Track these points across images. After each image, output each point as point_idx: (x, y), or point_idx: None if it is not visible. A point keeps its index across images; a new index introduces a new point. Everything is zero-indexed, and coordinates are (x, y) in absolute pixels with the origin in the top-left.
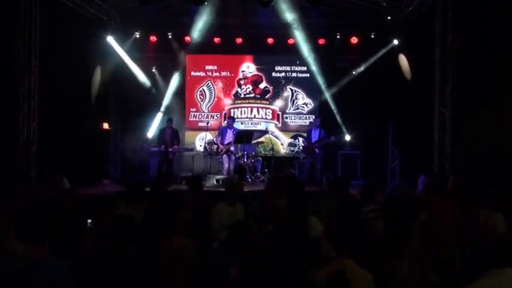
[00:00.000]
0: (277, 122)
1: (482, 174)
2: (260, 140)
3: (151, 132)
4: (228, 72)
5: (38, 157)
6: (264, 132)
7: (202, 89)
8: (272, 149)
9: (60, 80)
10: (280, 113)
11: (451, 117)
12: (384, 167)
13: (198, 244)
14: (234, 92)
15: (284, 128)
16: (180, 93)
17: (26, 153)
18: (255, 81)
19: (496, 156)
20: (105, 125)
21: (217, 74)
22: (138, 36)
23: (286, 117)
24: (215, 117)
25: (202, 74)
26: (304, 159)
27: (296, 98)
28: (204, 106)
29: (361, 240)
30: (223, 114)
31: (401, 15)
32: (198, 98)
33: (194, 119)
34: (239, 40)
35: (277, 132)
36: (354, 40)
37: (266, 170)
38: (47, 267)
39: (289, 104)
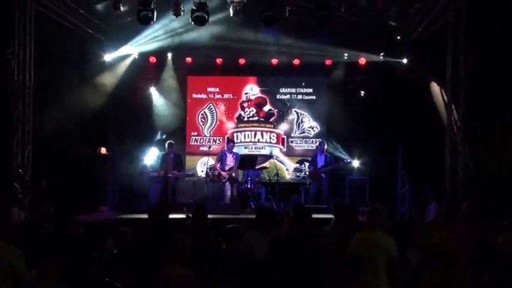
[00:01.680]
0: (282, 147)
1: (498, 197)
2: (264, 165)
3: (151, 157)
4: (231, 95)
5: (32, 183)
6: (269, 157)
7: (204, 111)
8: (277, 174)
9: (56, 102)
10: (285, 136)
11: (462, 140)
12: (394, 193)
13: (200, 274)
14: (237, 115)
15: (289, 153)
16: (181, 116)
17: (22, 178)
18: (259, 104)
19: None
20: (103, 150)
21: (220, 96)
22: (136, 57)
23: (292, 141)
24: (217, 141)
25: (204, 96)
26: (310, 184)
27: (302, 121)
28: (206, 130)
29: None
30: (225, 138)
31: (411, 35)
32: (200, 121)
33: (195, 143)
34: (242, 61)
35: (282, 157)
36: (362, 61)
37: (270, 196)
38: None
39: (295, 127)
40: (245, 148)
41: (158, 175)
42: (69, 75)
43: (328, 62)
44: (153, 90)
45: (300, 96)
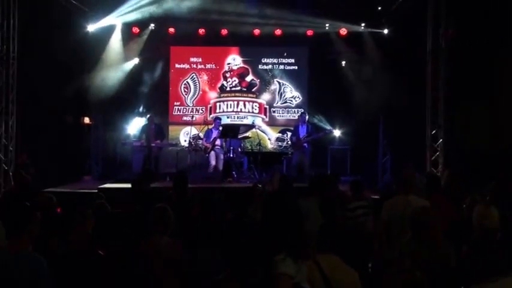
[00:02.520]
0: (264, 116)
1: (476, 169)
2: (246, 134)
3: (134, 126)
4: (214, 65)
5: (16, 152)
6: (251, 126)
7: (187, 81)
8: (259, 144)
9: (39, 72)
10: (267, 106)
11: (443, 111)
12: (375, 163)
13: (181, 243)
14: (219, 85)
15: (271, 123)
16: (163, 86)
17: (5, 148)
18: (241, 74)
19: (490, 150)
20: (86, 120)
21: (202, 66)
22: (119, 27)
23: (274, 111)
24: (200, 111)
25: (186, 66)
26: (292, 154)
27: (284, 92)
28: (189, 100)
29: (344, 237)
30: (208, 108)
31: (391, 6)
32: (183, 91)
33: (178, 113)
34: (224, 31)
35: (265, 127)
36: (343, 31)
37: (252, 165)
38: (26, 260)
39: (277, 97)
40: (228, 118)
41: (141, 144)
42: (53, 45)
43: (309, 32)
44: (136, 61)
45: (281, 67)
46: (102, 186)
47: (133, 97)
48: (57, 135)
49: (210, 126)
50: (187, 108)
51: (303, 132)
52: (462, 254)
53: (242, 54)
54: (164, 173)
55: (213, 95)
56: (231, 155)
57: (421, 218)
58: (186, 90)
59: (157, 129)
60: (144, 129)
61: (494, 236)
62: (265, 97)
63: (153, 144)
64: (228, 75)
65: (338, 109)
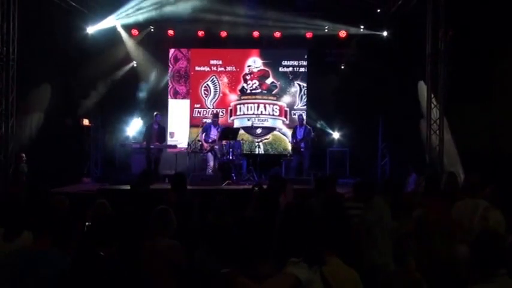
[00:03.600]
0: (284, 119)
1: (474, 170)
2: (267, 137)
3: (133, 128)
4: (234, 67)
5: (16, 154)
6: (272, 129)
7: (207, 84)
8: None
9: (39, 74)
10: (287, 109)
11: (442, 113)
12: (374, 165)
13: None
14: (239, 87)
15: (292, 125)
16: (162, 88)
17: (5, 149)
18: (262, 76)
19: (488, 151)
20: (85, 121)
21: (223, 68)
22: (119, 29)
23: (294, 114)
24: (220, 113)
25: (206, 68)
26: (292, 157)
27: (304, 94)
28: (209, 102)
29: (347, 238)
30: (228, 110)
31: (391, 8)
32: (203, 93)
33: (198, 115)
34: (224, 33)
35: (285, 129)
36: (343, 34)
37: (251, 168)
38: (47, 259)
39: (297, 99)
40: (248, 120)
41: (140, 146)
42: (52, 47)
43: (308, 34)
44: (134, 62)
45: (302, 69)
46: (102, 187)
47: (132, 99)
48: (57, 137)
49: (208, 121)
50: (207, 110)
51: (300, 134)
52: (462, 254)
53: (262, 56)
54: (163, 175)
55: (233, 98)
56: (231, 157)
57: (429, 221)
58: (206, 92)
59: (160, 130)
60: (148, 129)
61: (495, 236)
62: (285, 99)
63: (152, 146)
64: (248, 77)
65: (337, 111)
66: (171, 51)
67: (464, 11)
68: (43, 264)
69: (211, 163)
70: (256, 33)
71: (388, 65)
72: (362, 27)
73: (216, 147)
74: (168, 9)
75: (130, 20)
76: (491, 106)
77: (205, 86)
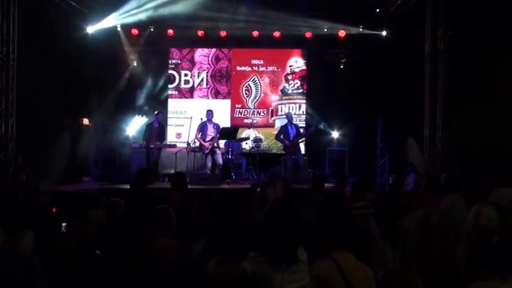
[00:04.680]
0: None
1: (473, 170)
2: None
3: (133, 128)
4: (275, 67)
5: (16, 153)
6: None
7: (248, 84)
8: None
9: (39, 73)
10: None
11: (442, 112)
12: (373, 164)
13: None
14: (281, 87)
15: None
16: (162, 87)
17: (5, 149)
18: (304, 77)
19: (488, 150)
20: (85, 121)
21: (264, 68)
22: (119, 29)
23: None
24: (262, 113)
25: (248, 68)
26: (286, 158)
27: None
28: (250, 102)
29: (351, 235)
30: (269, 111)
31: (390, 8)
32: (244, 93)
33: (240, 115)
34: (223, 33)
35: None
36: (342, 33)
37: (251, 167)
38: (19, 260)
39: None
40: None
41: (140, 146)
42: (52, 47)
43: (308, 34)
44: (135, 62)
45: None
46: (102, 187)
47: (132, 99)
48: (57, 137)
49: (204, 119)
50: (248, 110)
51: (292, 133)
52: (461, 254)
53: (304, 56)
54: (163, 174)
55: (274, 98)
56: (230, 157)
57: (429, 220)
58: (248, 92)
59: (160, 129)
60: (148, 127)
61: (491, 234)
62: None
63: (152, 146)
64: (290, 77)
65: (336, 111)
66: (172, 50)
67: (464, 10)
68: (8, 265)
69: (209, 163)
70: (255, 33)
71: (387, 65)
72: (361, 26)
73: (216, 145)
74: (168, 9)
75: (130, 19)
76: (491, 106)
77: (246, 86)
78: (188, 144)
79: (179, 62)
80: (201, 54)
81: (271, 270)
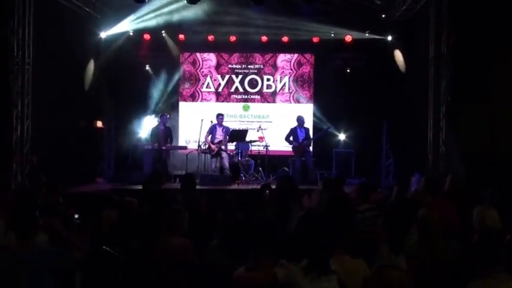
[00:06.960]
0: None
1: (477, 173)
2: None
3: (145, 130)
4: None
5: (31, 155)
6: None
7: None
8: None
9: (54, 77)
10: None
11: (445, 115)
12: (378, 166)
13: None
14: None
15: None
16: (174, 91)
17: (20, 151)
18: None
19: (490, 154)
20: (99, 123)
21: None
22: (131, 34)
23: None
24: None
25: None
26: (295, 160)
27: None
28: None
29: (354, 236)
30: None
31: (395, 13)
32: None
33: None
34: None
35: None
36: (348, 38)
37: (260, 168)
38: (36, 255)
39: None
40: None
41: (152, 148)
42: (67, 51)
43: (315, 39)
44: (148, 67)
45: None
46: (115, 187)
47: (145, 102)
48: (72, 139)
49: (214, 122)
50: None
51: (301, 135)
52: (463, 254)
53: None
54: (174, 175)
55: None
56: (239, 158)
57: (429, 220)
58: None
59: (166, 131)
60: (155, 132)
61: (495, 235)
62: None
63: (163, 148)
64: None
65: (343, 114)
66: (185, 54)
67: (467, 15)
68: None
69: (213, 166)
70: (264, 38)
71: (393, 69)
72: (367, 32)
73: (223, 148)
74: (180, 15)
75: (142, 24)
76: (491, 106)
77: None
78: (199, 145)
79: (262, 67)
80: (283, 60)
81: (303, 278)
